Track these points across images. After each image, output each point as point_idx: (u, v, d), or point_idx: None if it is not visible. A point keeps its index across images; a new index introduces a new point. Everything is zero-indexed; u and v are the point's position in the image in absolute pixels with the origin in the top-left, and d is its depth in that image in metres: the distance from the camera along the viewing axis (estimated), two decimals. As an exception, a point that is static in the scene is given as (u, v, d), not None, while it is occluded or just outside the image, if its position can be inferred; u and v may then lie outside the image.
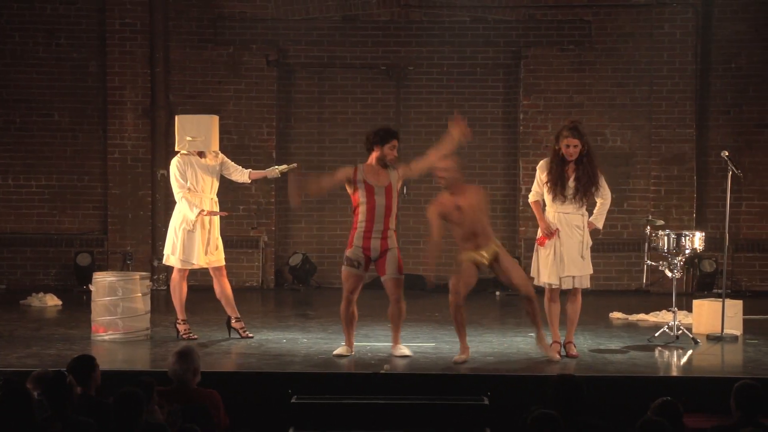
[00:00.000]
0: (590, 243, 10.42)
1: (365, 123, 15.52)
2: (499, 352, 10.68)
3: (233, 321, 11.27)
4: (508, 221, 15.65)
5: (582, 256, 10.33)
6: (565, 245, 10.26)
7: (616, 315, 12.81)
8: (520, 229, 15.37)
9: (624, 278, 15.28)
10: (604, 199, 10.41)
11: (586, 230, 10.37)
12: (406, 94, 15.63)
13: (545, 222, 10.32)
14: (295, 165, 11.51)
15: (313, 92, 15.64)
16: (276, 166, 11.59)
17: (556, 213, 10.28)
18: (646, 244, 11.65)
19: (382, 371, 9.69)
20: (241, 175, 11.41)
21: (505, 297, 14.76)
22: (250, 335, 11.19)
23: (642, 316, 12.68)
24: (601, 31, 15.41)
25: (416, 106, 15.62)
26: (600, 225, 10.50)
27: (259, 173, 11.57)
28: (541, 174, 10.36)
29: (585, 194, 10.29)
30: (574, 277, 10.30)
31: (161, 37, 15.41)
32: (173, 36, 15.48)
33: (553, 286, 10.37)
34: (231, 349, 10.81)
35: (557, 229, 10.26)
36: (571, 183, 10.21)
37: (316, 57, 15.56)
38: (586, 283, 10.41)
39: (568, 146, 10.18)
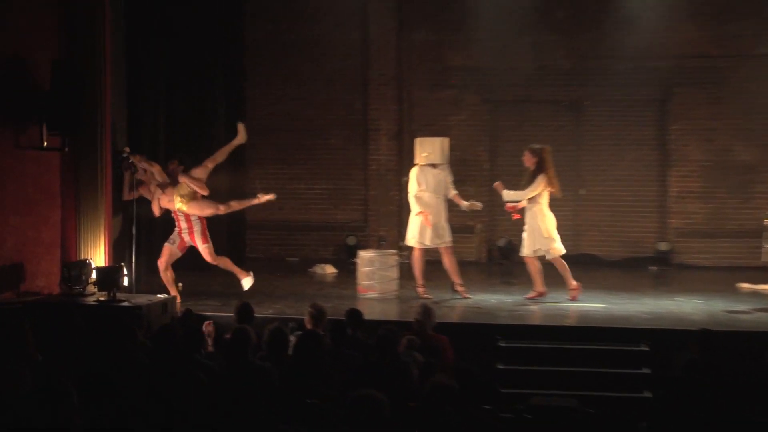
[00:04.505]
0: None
1: (553, 143, 15.16)
2: (653, 311, 10.41)
3: (456, 285, 11.29)
4: (659, 215, 15.18)
5: None
6: None
7: (743, 285, 12.26)
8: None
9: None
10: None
11: None
12: (583, 122, 15.38)
13: None
14: (480, 206, 11.40)
15: (515, 121, 15.54)
16: (468, 203, 11.34)
17: None
18: (765, 233, 11.19)
19: (565, 324, 9.62)
20: (449, 192, 11.35)
21: (659, 271, 14.35)
22: (468, 296, 11.19)
23: (763, 286, 12.11)
24: (732, 74, 14.78)
25: (591, 130, 15.35)
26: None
27: (458, 200, 11.39)
28: None
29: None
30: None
31: (406, 83, 15.59)
32: (414, 82, 15.63)
33: None
34: (455, 305, 10.84)
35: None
36: None
37: (516, 95, 15.46)
38: None
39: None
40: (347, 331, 7.69)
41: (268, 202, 11.09)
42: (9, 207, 10.18)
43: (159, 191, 10.69)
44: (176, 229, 10.90)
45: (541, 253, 10.94)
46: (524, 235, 10.98)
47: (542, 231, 10.91)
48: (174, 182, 10.74)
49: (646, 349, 9.14)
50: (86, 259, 10.54)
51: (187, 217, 10.78)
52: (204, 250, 10.83)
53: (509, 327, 9.65)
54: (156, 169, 10.74)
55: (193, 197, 10.72)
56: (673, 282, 13.34)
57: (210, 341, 7.97)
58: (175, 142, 12.98)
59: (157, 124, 13.11)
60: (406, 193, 11.61)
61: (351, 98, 15.76)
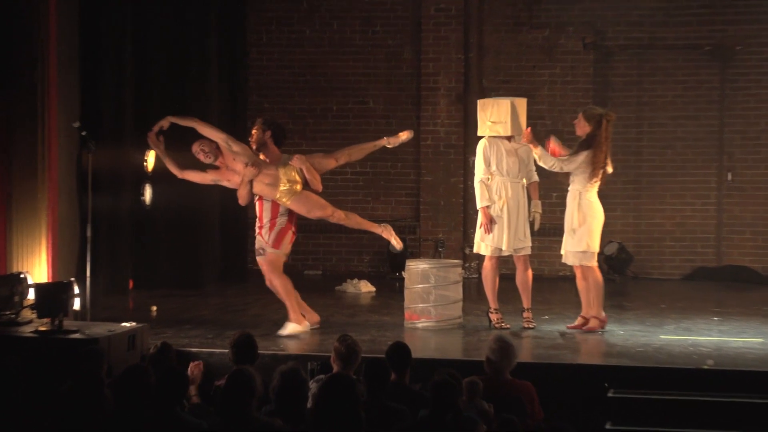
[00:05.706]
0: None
1: (687, 106, 15.32)
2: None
3: (525, 311, 11.25)
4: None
5: None
6: None
7: None
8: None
9: None
10: None
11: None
12: (732, 75, 15.30)
13: None
14: (537, 227, 11.39)
15: (632, 75, 15.52)
16: (536, 210, 11.41)
17: None
18: None
19: (705, 366, 9.50)
20: (530, 177, 11.36)
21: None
22: (531, 326, 11.14)
23: None
24: None
25: (744, 87, 15.27)
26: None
27: (534, 193, 11.45)
28: None
29: None
30: None
31: (475, 22, 15.65)
32: (487, 20, 15.68)
33: None
34: (544, 338, 10.79)
35: None
36: None
37: (635, 38, 15.46)
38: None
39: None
40: (390, 375, 7.60)
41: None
42: None
43: (252, 171, 10.67)
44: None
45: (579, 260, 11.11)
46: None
47: (593, 229, 11.17)
48: (274, 159, 10.87)
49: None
50: (20, 273, 10.52)
51: (275, 208, 10.85)
52: (268, 257, 10.82)
53: (622, 370, 9.54)
54: (232, 143, 10.69)
55: (301, 190, 10.88)
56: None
57: (194, 389, 8.00)
58: (148, 108, 12.96)
59: (123, 80, 13.14)
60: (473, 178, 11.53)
61: (397, 44, 15.81)
